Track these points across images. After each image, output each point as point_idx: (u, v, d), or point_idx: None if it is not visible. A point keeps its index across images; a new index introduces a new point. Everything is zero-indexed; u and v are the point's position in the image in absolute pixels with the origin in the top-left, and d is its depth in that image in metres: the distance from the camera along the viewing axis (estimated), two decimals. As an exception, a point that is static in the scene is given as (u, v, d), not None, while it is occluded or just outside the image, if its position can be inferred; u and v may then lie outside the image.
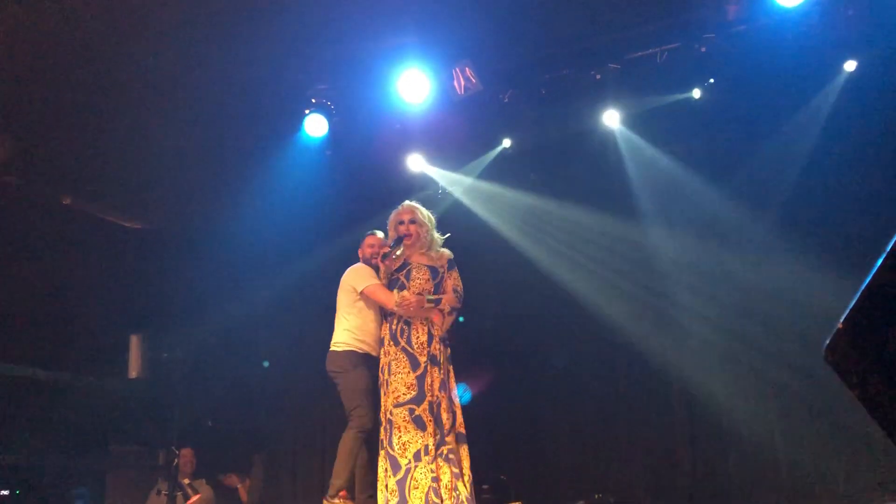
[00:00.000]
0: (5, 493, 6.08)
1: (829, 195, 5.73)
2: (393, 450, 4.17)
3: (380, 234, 4.88)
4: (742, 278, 5.99)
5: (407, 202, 4.65)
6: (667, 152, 6.41)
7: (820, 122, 5.75)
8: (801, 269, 5.46)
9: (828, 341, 1.37)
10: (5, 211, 6.24)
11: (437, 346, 4.29)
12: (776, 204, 5.93)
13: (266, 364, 5.16)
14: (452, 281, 4.46)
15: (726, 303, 6.04)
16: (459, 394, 4.33)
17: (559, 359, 6.60)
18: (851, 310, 1.36)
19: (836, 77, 5.69)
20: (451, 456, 4.16)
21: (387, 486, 4.16)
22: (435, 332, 4.31)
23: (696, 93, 6.04)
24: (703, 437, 5.94)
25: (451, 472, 4.12)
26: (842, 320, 1.37)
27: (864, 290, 1.35)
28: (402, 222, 4.55)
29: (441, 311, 4.35)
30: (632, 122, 6.37)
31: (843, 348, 1.36)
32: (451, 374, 4.37)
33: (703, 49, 5.74)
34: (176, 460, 5.82)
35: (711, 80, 5.94)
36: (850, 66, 5.63)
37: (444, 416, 4.20)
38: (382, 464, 4.24)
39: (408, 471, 4.11)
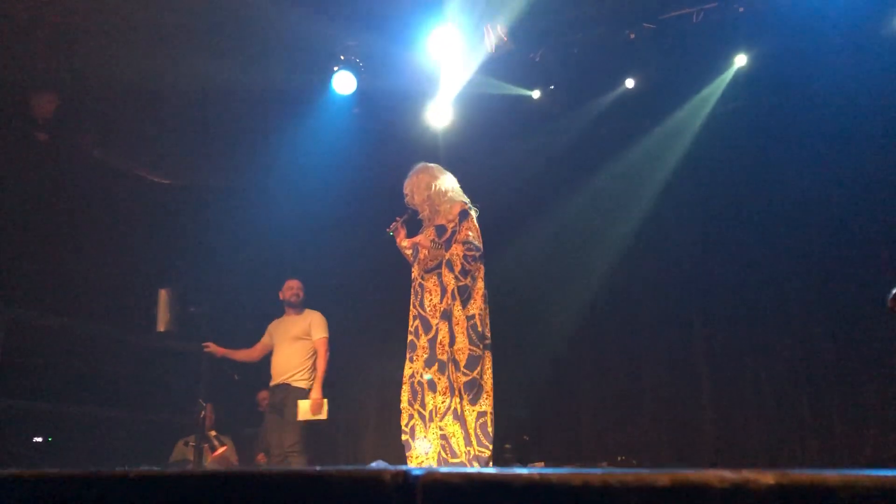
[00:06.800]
0: (38, 439, 6.24)
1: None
2: (425, 411, 4.18)
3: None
4: (777, 245, 5.97)
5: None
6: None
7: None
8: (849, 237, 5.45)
9: (894, 291, 1.36)
10: (37, 166, 6.29)
11: (449, 301, 4.24)
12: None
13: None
14: (462, 233, 4.35)
15: (758, 268, 6.01)
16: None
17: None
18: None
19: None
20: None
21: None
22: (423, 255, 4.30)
23: (742, 59, 5.94)
24: (728, 401, 5.94)
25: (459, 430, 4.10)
26: (909, 270, 1.35)
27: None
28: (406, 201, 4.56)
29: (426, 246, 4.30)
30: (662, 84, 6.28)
31: (910, 298, 1.34)
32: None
33: (741, 10, 5.65)
34: (203, 412, 5.88)
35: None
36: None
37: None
38: (414, 424, 4.21)
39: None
